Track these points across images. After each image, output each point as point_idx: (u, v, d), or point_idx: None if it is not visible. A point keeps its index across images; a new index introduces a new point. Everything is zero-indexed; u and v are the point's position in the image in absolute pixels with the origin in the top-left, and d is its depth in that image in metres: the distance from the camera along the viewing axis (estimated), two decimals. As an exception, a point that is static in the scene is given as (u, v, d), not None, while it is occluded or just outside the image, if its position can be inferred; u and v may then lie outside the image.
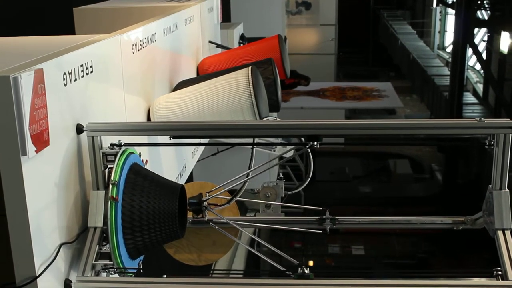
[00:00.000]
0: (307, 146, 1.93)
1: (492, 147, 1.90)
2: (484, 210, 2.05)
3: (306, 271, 1.79)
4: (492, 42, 16.93)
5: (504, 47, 15.19)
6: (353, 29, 26.28)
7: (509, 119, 1.86)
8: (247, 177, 2.22)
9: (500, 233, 1.91)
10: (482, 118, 1.87)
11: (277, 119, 2.64)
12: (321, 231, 2.31)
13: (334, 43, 20.39)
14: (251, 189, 2.45)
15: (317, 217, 2.33)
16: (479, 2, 16.88)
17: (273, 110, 3.07)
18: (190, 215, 2.21)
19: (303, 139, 2.22)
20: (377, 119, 1.94)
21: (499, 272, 1.80)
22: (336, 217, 2.32)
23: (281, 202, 2.44)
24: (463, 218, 2.23)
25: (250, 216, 2.40)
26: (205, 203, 2.09)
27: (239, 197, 2.28)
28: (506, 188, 1.93)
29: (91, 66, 2.01)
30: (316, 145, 1.90)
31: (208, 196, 2.10)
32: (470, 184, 14.68)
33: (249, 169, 2.27)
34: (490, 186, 1.95)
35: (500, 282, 1.78)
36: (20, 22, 4.18)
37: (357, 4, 27.70)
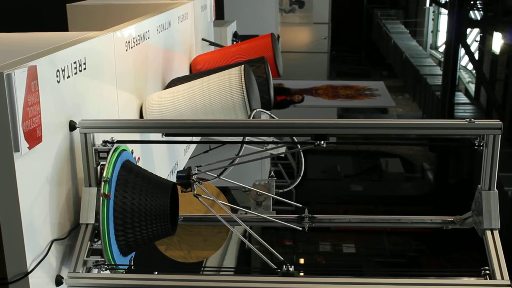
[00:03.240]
0: (314, 145, 1.93)
1: (481, 148, 1.91)
2: (473, 210, 2.06)
3: (291, 269, 1.80)
4: (485, 42, 16.98)
5: (496, 48, 15.24)
6: (346, 27, 26.32)
7: (498, 120, 1.87)
8: (236, 157, 2.23)
9: (488, 233, 1.93)
10: (472, 119, 1.88)
11: (272, 115, 2.66)
12: (300, 229, 2.33)
13: (327, 41, 20.41)
14: (243, 187, 2.46)
15: (296, 215, 2.35)
16: (472, 2, 16.92)
17: (265, 108, 3.08)
18: (181, 212, 2.22)
19: (295, 138, 2.24)
20: (369, 118, 1.96)
21: (487, 272, 1.82)
22: (314, 215, 2.34)
23: (270, 200, 2.44)
24: (453, 218, 2.25)
25: (240, 213, 2.40)
26: (194, 177, 2.07)
27: (233, 188, 2.28)
28: (495, 189, 1.95)
29: (84, 63, 2.01)
30: (323, 144, 1.91)
31: (198, 170, 2.09)
32: (461, 184, 14.74)
33: (237, 155, 2.29)
34: (479, 186, 1.97)
35: (488, 281, 1.80)
36: (13, 18, 4.17)
37: (351, 2, 27.72)
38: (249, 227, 2.26)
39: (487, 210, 1.94)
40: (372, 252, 13.86)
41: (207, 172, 2.18)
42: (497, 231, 1.92)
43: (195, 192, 2.06)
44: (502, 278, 1.79)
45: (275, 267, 1.84)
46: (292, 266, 1.81)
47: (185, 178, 2.05)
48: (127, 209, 1.93)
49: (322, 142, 1.91)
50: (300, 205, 2.37)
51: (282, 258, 1.86)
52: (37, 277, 1.70)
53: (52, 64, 1.79)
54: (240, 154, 2.41)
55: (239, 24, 5.96)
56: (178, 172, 2.07)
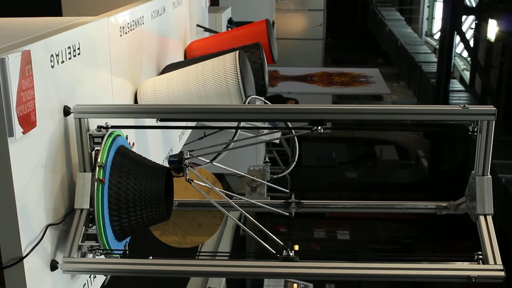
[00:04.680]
0: (311, 130, 1.93)
1: (475, 134, 1.92)
2: (467, 195, 2.07)
3: (291, 254, 1.81)
4: (480, 30, 16.98)
5: (491, 35, 15.24)
6: (342, 14, 26.25)
7: (492, 106, 1.88)
8: (231, 142, 2.23)
9: (482, 218, 1.94)
10: (466, 105, 1.89)
11: (266, 102, 2.65)
12: (288, 214, 2.35)
13: (322, 28, 20.38)
14: (236, 172, 2.46)
15: (282, 201, 2.36)
16: (467, -11, 16.92)
17: (260, 95, 3.07)
18: (175, 197, 2.22)
19: (289, 123, 2.23)
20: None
21: (480, 256, 1.83)
22: (301, 201, 2.35)
23: (265, 186, 2.45)
24: (446, 203, 2.26)
25: (236, 199, 2.40)
26: (186, 162, 2.04)
27: (227, 174, 2.28)
28: (489, 174, 1.96)
29: (79, 48, 2.01)
30: (320, 129, 1.91)
31: (190, 155, 2.07)
32: (455, 170, 14.79)
33: (231, 140, 2.28)
34: (473, 172, 1.98)
35: (481, 266, 1.81)
36: (7, 3, 4.15)
37: (346, -11, 27.65)
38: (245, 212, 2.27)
39: (481, 195, 1.95)
40: (367, 239, 13.92)
41: (200, 157, 2.17)
42: (490, 216, 1.93)
43: (188, 177, 2.05)
44: (495, 263, 1.80)
45: (274, 252, 1.85)
46: (292, 251, 1.82)
47: (177, 162, 2.03)
48: (122, 194, 1.93)
49: (319, 127, 1.91)
50: (288, 191, 2.38)
51: (282, 243, 1.86)
52: (32, 262, 1.70)
53: (46, 49, 1.78)
54: (234, 135, 2.41)
55: (234, 10, 5.94)
56: (170, 156, 2.05)
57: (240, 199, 2.35)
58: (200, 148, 2.13)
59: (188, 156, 2.03)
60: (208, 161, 2.27)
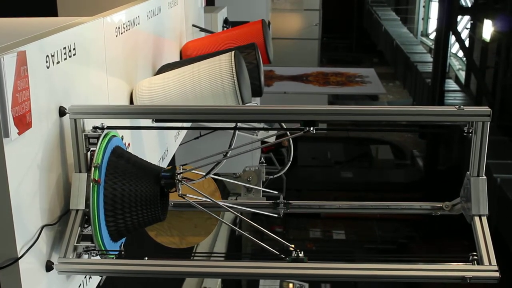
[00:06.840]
0: (304, 131, 1.93)
1: (471, 134, 1.93)
2: (462, 196, 2.08)
3: (301, 255, 1.81)
4: (475, 30, 17.02)
5: (486, 35, 15.27)
6: (337, 14, 26.27)
7: (487, 107, 1.88)
8: (225, 155, 2.23)
9: (476, 219, 1.94)
10: (462, 106, 1.89)
11: (257, 104, 2.66)
12: (276, 215, 2.35)
13: (318, 28, 20.38)
14: (233, 173, 2.46)
15: (270, 201, 2.36)
16: (462, -11, 16.94)
17: (255, 95, 3.08)
18: (171, 198, 2.22)
19: (283, 124, 2.24)
20: (360, 105, 1.96)
21: (475, 257, 1.84)
22: (290, 202, 2.36)
23: (260, 186, 2.45)
24: (442, 204, 2.26)
25: (231, 199, 2.41)
26: (179, 177, 2.02)
27: (221, 180, 2.27)
28: (484, 175, 1.96)
29: (74, 49, 2.00)
30: (313, 130, 1.91)
31: (182, 169, 2.06)
32: (450, 171, 14.81)
33: (229, 148, 2.28)
34: (468, 172, 1.99)
35: (476, 267, 1.82)
36: (1, 3, 4.14)
37: (342, -11, 27.67)
38: (241, 214, 2.27)
39: (476, 196, 1.96)
40: (362, 239, 13.94)
41: (194, 171, 2.17)
42: (485, 217, 1.94)
43: (180, 192, 2.03)
44: (490, 264, 1.81)
45: (277, 253, 1.84)
46: (302, 252, 1.82)
47: (169, 178, 2.02)
48: (117, 195, 1.93)
49: (311, 128, 1.91)
50: (276, 193, 2.39)
51: (292, 246, 1.86)
52: (27, 262, 1.70)
53: (42, 50, 1.78)
54: (231, 141, 2.41)
55: (230, 10, 5.93)
56: (162, 171, 2.03)
57: (230, 201, 2.35)
58: (194, 161, 2.12)
59: (181, 170, 2.02)
60: (203, 174, 2.26)
